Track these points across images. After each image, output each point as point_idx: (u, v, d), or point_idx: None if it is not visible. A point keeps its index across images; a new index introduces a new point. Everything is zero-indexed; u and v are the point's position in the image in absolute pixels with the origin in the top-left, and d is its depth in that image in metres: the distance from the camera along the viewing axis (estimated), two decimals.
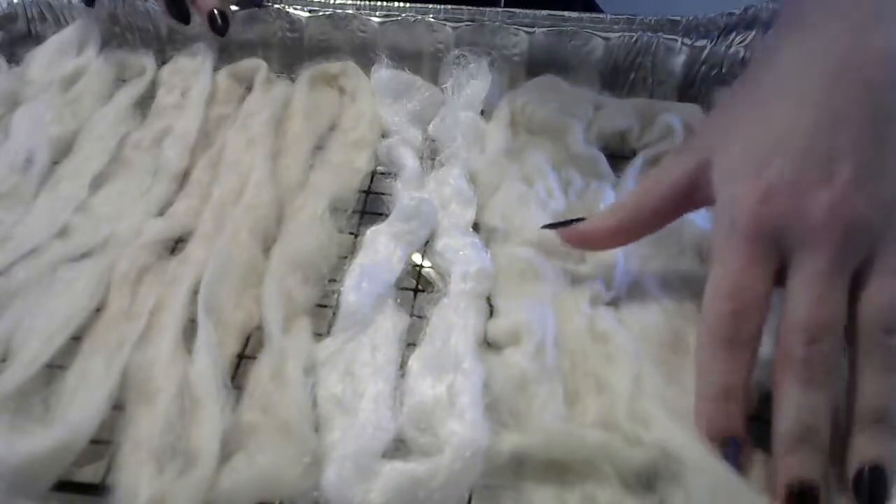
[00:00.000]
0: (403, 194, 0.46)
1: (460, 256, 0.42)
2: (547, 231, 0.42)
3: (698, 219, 0.43)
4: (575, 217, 0.41)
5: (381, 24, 0.57)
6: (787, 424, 0.31)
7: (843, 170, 0.33)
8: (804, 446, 0.31)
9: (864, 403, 0.31)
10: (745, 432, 0.32)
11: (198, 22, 0.55)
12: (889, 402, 0.31)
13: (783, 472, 0.30)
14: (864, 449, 0.31)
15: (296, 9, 0.58)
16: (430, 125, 0.53)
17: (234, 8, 0.57)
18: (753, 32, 0.55)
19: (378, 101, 0.53)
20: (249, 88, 0.56)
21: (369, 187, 0.49)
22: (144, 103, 0.55)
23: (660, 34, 0.56)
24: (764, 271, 0.33)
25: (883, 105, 0.34)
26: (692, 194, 0.37)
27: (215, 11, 0.54)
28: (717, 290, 0.34)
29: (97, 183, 0.48)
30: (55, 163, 0.50)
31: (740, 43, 0.55)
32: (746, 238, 0.33)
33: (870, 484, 0.30)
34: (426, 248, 0.45)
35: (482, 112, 0.52)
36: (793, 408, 0.31)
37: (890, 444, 0.31)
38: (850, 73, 0.34)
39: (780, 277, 0.33)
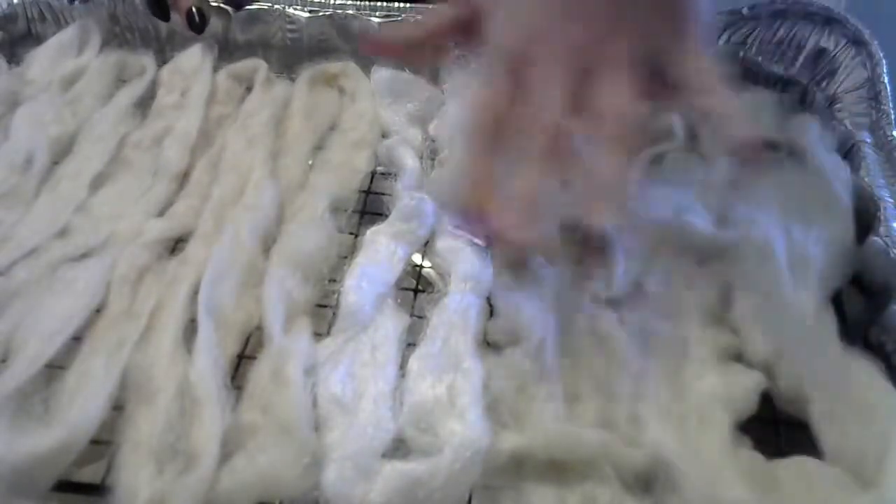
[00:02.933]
0: (403, 194, 0.46)
1: (460, 256, 0.42)
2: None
3: (698, 220, 0.43)
4: None
5: (381, 24, 0.57)
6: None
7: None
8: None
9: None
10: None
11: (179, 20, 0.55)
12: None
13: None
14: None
15: (296, 9, 0.58)
16: (430, 125, 0.52)
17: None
18: (751, 32, 0.55)
19: (378, 102, 0.53)
20: (249, 88, 0.56)
21: (369, 187, 0.49)
22: (144, 103, 0.55)
23: None
24: (509, 89, 0.39)
25: None
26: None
27: (193, 9, 0.54)
28: (477, 103, 0.39)
29: (97, 183, 0.48)
30: (55, 163, 0.50)
31: (739, 42, 0.55)
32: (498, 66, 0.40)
33: None
34: (426, 248, 0.45)
35: None
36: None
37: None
38: None
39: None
